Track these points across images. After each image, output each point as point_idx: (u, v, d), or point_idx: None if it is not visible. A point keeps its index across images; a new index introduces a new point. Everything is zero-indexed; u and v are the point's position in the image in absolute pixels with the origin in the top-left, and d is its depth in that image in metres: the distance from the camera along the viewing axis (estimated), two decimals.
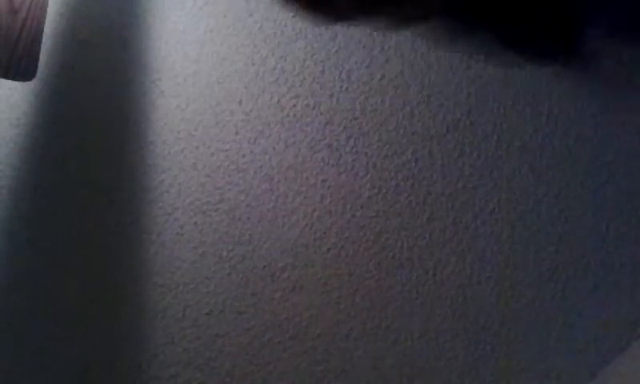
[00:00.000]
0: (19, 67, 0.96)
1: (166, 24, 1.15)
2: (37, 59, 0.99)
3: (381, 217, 1.13)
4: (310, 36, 1.13)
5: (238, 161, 1.14)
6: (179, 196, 1.15)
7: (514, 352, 1.11)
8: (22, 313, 1.16)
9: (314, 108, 1.14)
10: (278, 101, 1.14)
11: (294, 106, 1.14)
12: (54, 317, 1.15)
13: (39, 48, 0.99)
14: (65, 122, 1.17)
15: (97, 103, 1.16)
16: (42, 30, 1.00)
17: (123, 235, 1.15)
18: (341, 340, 1.13)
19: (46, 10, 1.00)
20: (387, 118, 1.13)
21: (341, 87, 1.13)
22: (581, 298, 1.10)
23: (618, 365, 1.08)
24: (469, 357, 1.12)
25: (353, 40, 1.13)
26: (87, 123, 1.16)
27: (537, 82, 1.11)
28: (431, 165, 1.12)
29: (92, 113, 1.16)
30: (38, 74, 1.06)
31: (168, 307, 1.14)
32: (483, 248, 1.12)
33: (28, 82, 1.10)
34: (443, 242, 1.12)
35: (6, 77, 0.95)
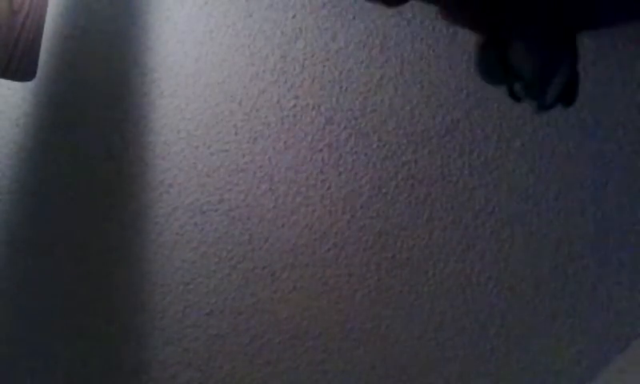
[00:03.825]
0: (19, 67, 0.96)
1: (166, 24, 1.15)
2: (37, 59, 0.99)
3: (381, 217, 1.13)
4: (310, 36, 1.13)
5: (237, 161, 1.14)
6: (179, 196, 1.15)
7: (513, 352, 1.11)
8: (22, 313, 1.16)
9: (313, 108, 1.14)
10: (278, 101, 1.14)
11: (294, 106, 1.14)
12: (54, 317, 1.15)
13: (39, 48, 0.99)
14: (65, 122, 1.17)
15: (96, 103, 1.16)
16: (42, 30, 1.00)
17: (123, 235, 1.15)
18: (341, 340, 1.13)
19: (45, 11, 1.00)
20: (387, 118, 1.13)
21: (341, 87, 1.13)
22: (581, 298, 1.10)
23: (618, 365, 1.08)
24: (469, 357, 1.12)
25: (353, 40, 1.13)
26: (87, 123, 1.16)
27: None
28: (431, 165, 1.12)
29: (92, 113, 1.16)
30: (38, 73, 1.06)
31: (168, 307, 1.14)
32: (483, 248, 1.12)
33: (28, 82, 1.10)
34: (443, 242, 1.12)
35: (6, 77, 0.95)
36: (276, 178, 1.14)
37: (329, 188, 1.13)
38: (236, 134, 1.14)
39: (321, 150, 1.13)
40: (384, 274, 1.13)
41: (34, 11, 0.96)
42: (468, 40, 1.11)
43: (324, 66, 1.13)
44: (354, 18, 1.12)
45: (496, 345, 1.11)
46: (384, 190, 1.13)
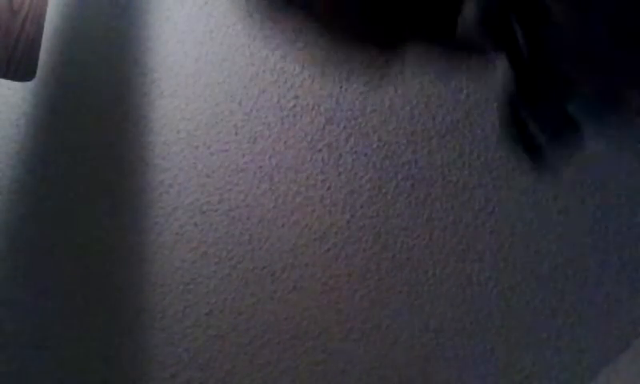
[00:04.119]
0: (19, 67, 0.96)
1: (166, 24, 1.15)
2: (37, 59, 0.99)
3: (381, 217, 1.13)
4: (310, 36, 1.13)
5: (237, 161, 1.14)
6: (179, 196, 1.15)
7: (513, 352, 1.11)
8: (21, 313, 1.16)
9: (313, 108, 1.14)
10: (278, 101, 1.14)
11: (294, 106, 1.14)
12: (55, 317, 1.15)
13: (39, 48, 0.99)
14: (65, 122, 1.17)
15: (96, 103, 1.16)
16: (42, 30, 0.99)
17: (123, 235, 1.15)
18: (341, 340, 1.13)
19: (45, 11, 1.00)
20: (387, 118, 1.13)
21: (341, 87, 1.13)
22: (581, 298, 1.10)
23: (617, 365, 1.08)
24: (469, 357, 1.12)
25: None
26: (87, 123, 1.16)
27: None
28: (431, 165, 1.12)
29: (92, 113, 1.16)
30: (38, 73, 1.06)
31: (168, 307, 1.14)
32: (483, 248, 1.12)
33: (28, 82, 1.10)
34: (443, 242, 1.12)
35: (6, 77, 0.95)
36: (276, 178, 1.14)
37: (329, 188, 1.13)
38: (236, 134, 1.14)
39: (321, 150, 1.13)
40: (384, 273, 1.13)
41: (33, 11, 0.96)
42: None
43: (324, 66, 1.13)
44: None
45: (496, 345, 1.11)
46: (384, 190, 1.13)
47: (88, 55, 1.16)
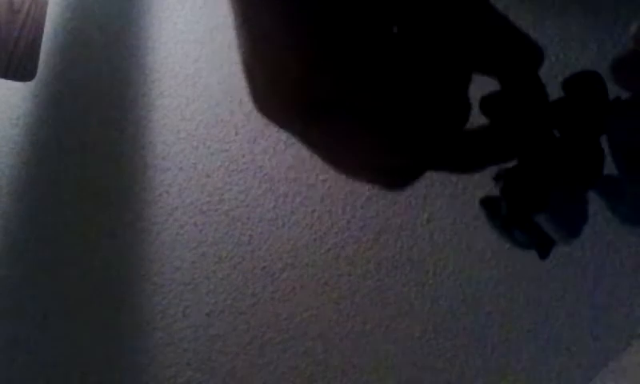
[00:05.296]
0: (19, 67, 0.96)
1: (166, 24, 1.15)
2: (37, 59, 0.99)
3: (381, 217, 1.13)
4: None
5: (238, 161, 1.14)
6: (179, 196, 1.15)
7: (513, 352, 1.11)
8: (22, 313, 1.16)
9: None
10: None
11: None
12: (54, 317, 1.15)
13: (39, 48, 0.99)
14: (65, 122, 1.17)
15: (96, 103, 1.16)
16: (42, 30, 1.00)
17: (123, 235, 1.15)
18: (341, 340, 1.13)
19: (45, 10, 1.00)
20: None
21: None
22: (581, 298, 1.10)
23: (618, 365, 1.08)
24: (469, 357, 1.12)
25: None
26: (87, 123, 1.16)
27: None
28: None
29: (92, 113, 1.16)
30: (38, 73, 1.06)
31: (168, 307, 1.14)
32: (483, 248, 1.12)
33: (28, 82, 1.10)
34: (443, 242, 1.12)
35: (6, 77, 0.95)
36: (276, 178, 1.14)
37: (329, 188, 1.13)
38: (236, 133, 1.14)
39: None
40: (384, 273, 1.13)
41: (33, 11, 0.96)
42: None
43: None
44: None
45: (496, 345, 1.11)
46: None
47: (88, 55, 1.16)
